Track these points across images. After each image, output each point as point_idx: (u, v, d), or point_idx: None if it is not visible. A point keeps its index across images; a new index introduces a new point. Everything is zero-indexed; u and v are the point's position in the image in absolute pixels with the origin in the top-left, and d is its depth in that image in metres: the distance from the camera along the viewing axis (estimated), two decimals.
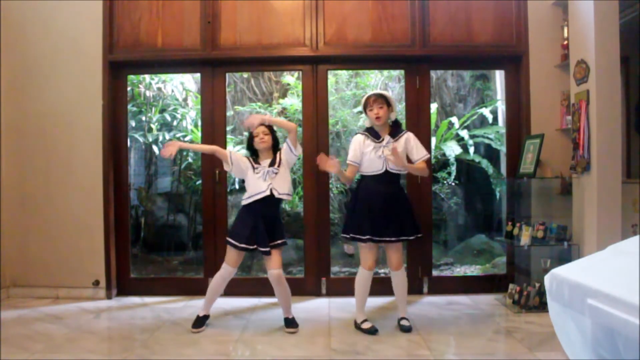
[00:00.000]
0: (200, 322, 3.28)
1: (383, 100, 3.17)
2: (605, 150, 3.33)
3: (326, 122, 4.12)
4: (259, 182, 3.20)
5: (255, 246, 3.19)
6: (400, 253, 3.21)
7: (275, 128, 3.38)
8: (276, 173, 3.22)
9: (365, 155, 3.18)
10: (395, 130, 3.24)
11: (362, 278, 3.24)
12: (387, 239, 3.13)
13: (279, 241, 3.24)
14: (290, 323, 3.26)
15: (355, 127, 5.39)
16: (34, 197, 4.05)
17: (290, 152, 3.27)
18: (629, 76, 4.42)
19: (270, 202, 3.20)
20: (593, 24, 3.35)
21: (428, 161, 3.29)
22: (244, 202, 3.27)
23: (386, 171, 3.15)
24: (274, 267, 3.17)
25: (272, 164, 3.25)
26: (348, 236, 3.21)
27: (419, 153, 3.21)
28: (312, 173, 4.08)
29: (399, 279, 3.22)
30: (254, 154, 3.33)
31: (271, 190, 3.17)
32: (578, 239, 3.59)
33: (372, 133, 3.22)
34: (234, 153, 3.33)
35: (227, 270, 3.25)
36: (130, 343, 3.04)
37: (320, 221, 4.07)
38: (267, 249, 3.16)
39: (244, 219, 3.23)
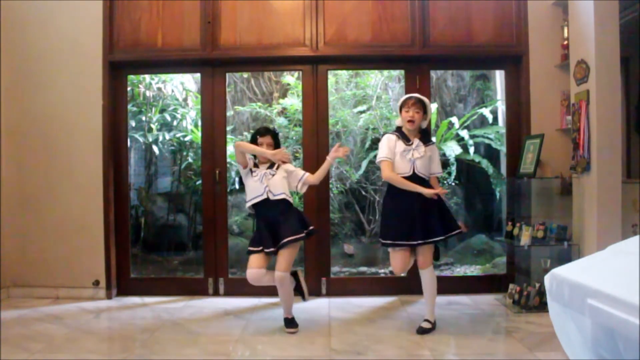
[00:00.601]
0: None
1: (421, 105, 3.18)
2: (605, 150, 3.33)
3: (326, 122, 4.12)
4: (256, 185, 3.22)
5: (261, 247, 3.19)
6: (427, 253, 3.17)
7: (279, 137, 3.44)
8: (273, 175, 3.23)
9: (396, 154, 3.16)
10: (424, 137, 3.23)
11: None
12: (413, 242, 3.11)
13: (288, 239, 3.15)
14: (290, 323, 3.25)
15: (355, 127, 5.39)
16: (34, 197, 4.05)
17: (296, 181, 3.31)
18: (629, 76, 4.42)
19: (270, 204, 3.21)
20: (593, 24, 3.35)
21: (438, 179, 3.38)
22: (247, 205, 3.30)
23: (414, 174, 3.13)
24: (278, 269, 3.16)
25: (270, 167, 3.27)
26: (385, 242, 3.19)
27: (436, 168, 3.27)
28: (312, 173, 4.07)
29: (426, 277, 3.20)
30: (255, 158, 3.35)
31: (267, 194, 3.19)
32: (578, 239, 3.59)
33: (402, 135, 3.20)
34: (249, 158, 3.33)
35: (248, 272, 3.19)
36: (130, 343, 3.04)
37: (320, 221, 4.07)
38: (272, 249, 3.15)
39: (256, 223, 3.33)
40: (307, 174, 3.35)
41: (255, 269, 3.17)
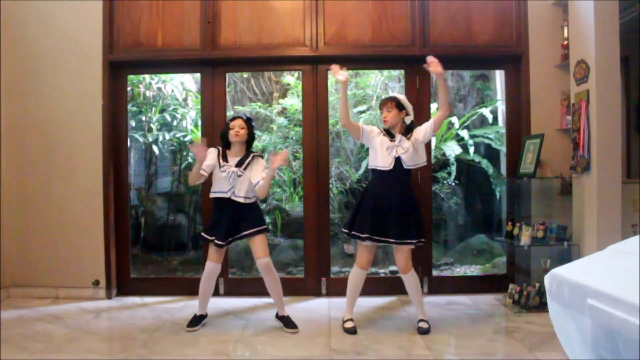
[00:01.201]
0: (195, 321, 3.28)
1: (392, 103, 3.20)
2: (605, 150, 3.33)
3: (326, 122, 4.12)
4: (222, 181, 3.21)
5: (213, 237, 3.22)
6: (406, 256, 3.17)
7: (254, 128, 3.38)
8: (240, 176, 3.21)
9: (376, 148, 3.19)
10: (407, 132, 3.24)
11: (354, 276, 3.24)
12: (387, 239, 3.12)
13: (253, 229, 3.18)
14: (288, 323, 3.25)
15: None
16: (34, 197, 4.05)
17: (259, 176, 3.20)
18: (629, 76, 4.42)
19: (232, 202, 3.22)
20: (593, 24, 3.35)
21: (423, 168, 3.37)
22: (210, 195, 3.30)
23: (395, 168, 3.14)
24: (260, 256, 3.18)
25: (240, 164, 3.23)
26: (348, 232, 3.20)
27: (425, 126, 3.20)
28: (312, 173, 4.09)
29: (408, 281, 3.20)
30: (227, 146, 3.31)
31: (230, 194, 3.20)
32: (578, 239, 3.59)
33: (388, 132, 3.25)
34: (205, 165, 3.19)
35: (206, 265, 3.27)
36: (130, 343, 3.04)
37: (320, 221, 4.07)
38: (222, 243, 3.19)
39: (212, 212, 3.34)
40: (260, 184, 3.18)
41: (213, 263, 3.24)
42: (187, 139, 5.22)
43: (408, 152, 3.13)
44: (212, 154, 3.26)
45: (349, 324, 3.21)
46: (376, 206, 3.14)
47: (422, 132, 3.19)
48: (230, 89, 5.54)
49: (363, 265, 3.21)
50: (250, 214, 3.25)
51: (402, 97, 3.27)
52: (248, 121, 3.32)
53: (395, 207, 3.13)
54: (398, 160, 3.14)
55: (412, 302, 3.29)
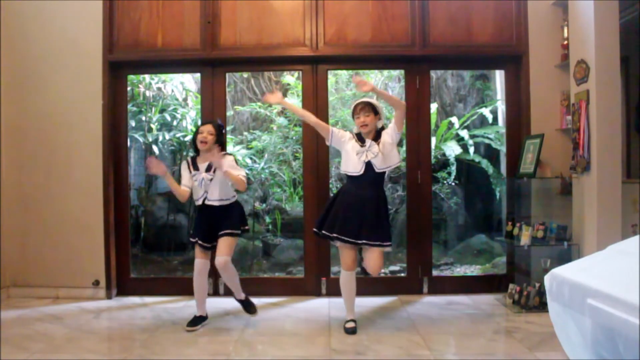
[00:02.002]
0: (195, 321, 3.30)
1: (370, 108, 3.20)
2: (605, 150, 3.33)
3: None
4: (197, 189, 3.30)
5: (196, 239, 3.30)
6: (377, 256, 3.14)
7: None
8: (211, 179, 3.25)
9: (348, 152, 3.21)
10: (377, 136, 3.24)
11: (343, 279, 3.24)
12: (358, 241, 3.13)
13: (224, 231, 3.25)
14: (248, 305, 3.40)
15: (355, 126, 5.38)
16: (34, 197, 4.05)
17: (234, 168, 3.24)
18: (629, 76, 4.42)
19: (208, 206, 3.28)
20: (593, 24, 3.35)
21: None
22: (195, 203, 3.39)
23: (366, 173, 3.16)
24: (219, 254, 3.23)
25: (208, 168, 3.27)
26: (318, 231, 3.23)
27: (389, 128, 3.24)
28: (312, 173, 4.08)
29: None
30: (196, 152, 3.36)
31: (203, 200, 3.27)
32: (578, 239, 3.59)
33: (359, 137, 3.26)
34: (185, 182, 3.30)
35: (195, 262, 3.34)
36: (130, 343, 3.04)
37: None
38: (206, 245, 3.30)
39: (196, 217, 3.46)
40: (242, 174, 3.24)
41: (202, 260, 3.31)
42: (187, 139, 5.22)
43: (377, 156, 3.15)
44: (184, 170, 3.34)
45: (349, 324, 3.21)
46: (348, 208, 3.16)
47: (388, 134, 3.23)
48: (230, 89, 5.54)
49: (348, 266, 3.21)
50: (229, 217, 3.31)
51: (376, 102, 3.28)
52: (218, 127, 3.34)
53: (367, 209, 3.15)
54: (369, 164, 3.16)
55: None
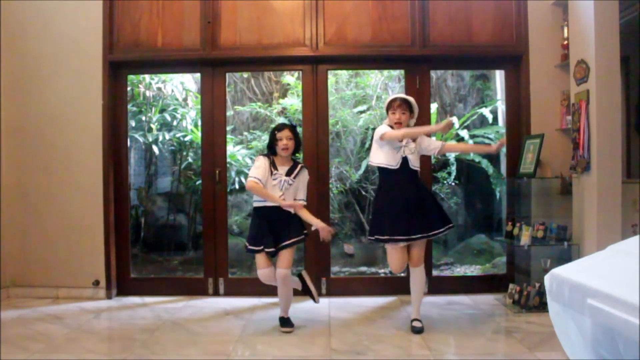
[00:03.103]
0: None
1: (407, 106, 3.20)
2: (605, 150, 3.33)
3: (326, 122, 4.12)
4: (274, 189, 3.20)
5: (262, 247, 3.19)
6: (422, 249, 3.19)
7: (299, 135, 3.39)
8: (291, 184, 3.23)
9: (383, 147, 3.18)
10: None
11: (413, 277, 3.21)
12: (412, 237, 3.09)
13: (289, 241, 3.19)
14: (286, 322, 3.27)
15: (355, 126, 5.39)
16: (34, 197, 4.04)
17: (305, 181, 3.29)
18: (629, 76, 4.42)
19: (279, 210, 3.21)
20: (593, 24, 3.34)
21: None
22: (254, 204, 3.27)
23: (401, 168, 3.15)
24: (280, 267, 3.18)
25: (289, 173, 3.24)
26: (373, 238, 3.19)
27: (434, 143, 3.27)
28: (312, 173, 4.07)
29: (416, 274, 3.20)
30: (273, 154, 3.28)
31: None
32: (578, 239, 3.59)
33: None
34: (258, 174, 3.17)
35: (259, 273, 3.24)
36: (130, 343, 3.04)
37: (319, 220, 4.06)
38: (273, 250, 3.18)
39: (254, 222, 3.30)
40: (302, 201, 3.28)
41: (266, 269, 3.21)
42: (187, 139, 5.22)
43: (414, 153, 3.17)
44: (264, 163, 3.22)
45: (417, 324, 3.17)
46: (395, 206, 3.13)
47: (429, 144, 3.25)
48: (230, 89, 5.54)
49: (397, 269, 3.19)
50: (292, 222, 3.25)
51: (414, 102, 3.26)
52: (294, 129, 3.27)
53: (413, 203, 3.12)
54: (405, 160, 3.15)
55: (413, 298, 3.25)
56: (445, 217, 3.21)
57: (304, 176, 3.31)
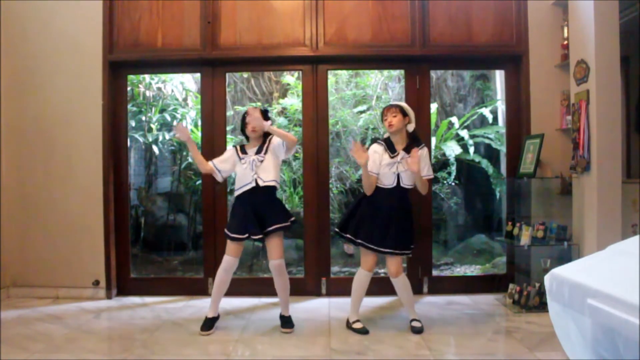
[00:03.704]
0: (209, 324, 3.22)
1: (397, 109, 3.21)
2: (605, 150, 3.33)
3: (326, 122, 4.12)
4: (246, 172, 3.20)
5: (246, 235, 3.17)
6: (398, 262, 3.21)
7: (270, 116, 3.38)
8: (262, 161, 3.20)
9: (382, 167, 3.18)
10: (411, 144, 3.22)
11: (361, 278, 3.25)
12: (383, 250, 3.16)
13: (275, 226, 3.16)
14: (287, 322, 3.26)
15: (355, 126, 5.39)
16: (34, 197, 4.05)
17: (281, 150, 3.23)
18: (629, 76, 4.42)
19: (258, 191, 3.18)
20: (593, 24, 3.35)
21: (430, 181, 3.29)
22: (235, 193, 3.27)
23: (397, 186, 3.17)
24: (273, 258, 3.18)
25: (259, 151, 3.23)
26: (345, 235, 3.23)
27: (426, 171, 3.23)
28: (312, 173, 4.08)
29: (400, 284, 3.23)
30: (246, 137, 3.32)
31: (256, 181, 3.17)
32: (578, 239, 3.59)
33: (389, 145, 3.23)
34: (218, 161, 3.29)
35: (226, 261, 3.19)
36: (130, 343, 3.04)
37: (320, 221, 4.07)
38: (260, 236, 3.16)
39: (235, 210, 3.27)
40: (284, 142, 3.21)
41: (230, 257, 3.18)
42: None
43: (407, 171, 3.15)
44: (229, 153, 3.29)
45: (358, 325, 3.20)
46: (375, 215, 3.17)
47: (424, 163, 3.20)
48: (230, 89, 5.54)
49: (370, 267, 3.22)
50: (274, 208, 3.23)
51: (406, 105, 3.28)
52: (264, 113, 3.27)
53: (394, 219, 3.16)
54: (398, 177, 3.17)
55: (404, 304, 3.31)
56: (411, 241, 3.23)
57: (276, 144, 3.23)
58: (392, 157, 3.18)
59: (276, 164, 3.24)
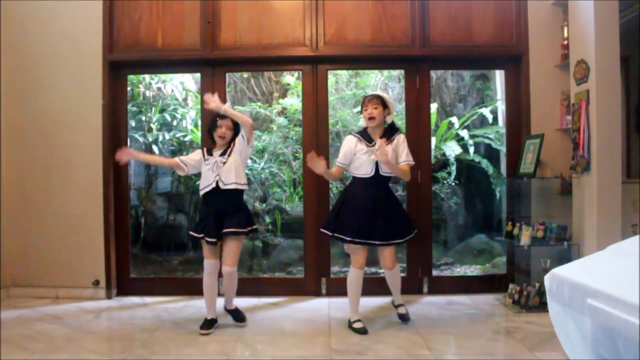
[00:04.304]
0: (208, 324, 3.23)
1: (378, 100, 3.18)
2: (605, 150, 3.33)
3: (326, 122, 4.12)
4: (208, 173, 3.21)
5: (202, 235, 3.19)
6: (392, 253, 3.21)
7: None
8: (224, 162, 3.18)
9: (357, 158, 3.18)
10: (388, 132, 3.22)
11: (354, 277, 3.23)
12: (374, 242, 3.15)
13: (229, 229, 3.14)
14: (238, 314, 3.33)
15: (355, 127, 5.39)
16: (34, 197, 4.05)
17: (244, 143, 3.22)
18: (629, 76, 4.42)
19: (219, 192, 3.18)
20: (593, 24, 3.34)
21: (412, 168, 3.26)
22: (200, 193, 3.29)
23: (376, 174, 3.15)
24: (225, 263, 3.18)
25: (223, 153, 3.23)
26: (330, 234, 3.22)
27: (405, 157, 3.21)
28: (312, 173, 4.07)
29: (393, 274, 3.27)
30: (213, 141, 3.31)
31: (217, 182, 3.17)
32: (578, 239, 3.59)
33: (365, 136, 3.22)
34: (185, 157, 3.33)
35: (205, 264, 3.25)
36: (130, 343, 3.04)
37: (320, 221, 4.05)
38: (213, 240, 3.16)
39: (201, 210, 3.34)
40: (242, 131, 3.24)
41: (211, 260, 3.22)
42: (187, 139, 5.22)
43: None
44: (195, 153, 3.35)
45: (358, 324, 3.19)
46: (358, 208, 3.15)
47: (402, 150, 3.20)
48: (230, 89, 5.54)
49: (361, 265, 3.22)
50: (237, 211, 3.22)
51: (386, 96, 3.26)
52: (235, 122, 3.28)
53: (379, 209, 3.15)
54: (377, 165, 3.15)
55: (393, 291, 3.36)
56: (408, 225, 3.24)
57: (239, 144, 3.23)
58: (369, 146, 3.16)
59: (240, 165, 3.22)
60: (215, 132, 3.24)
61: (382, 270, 4.77)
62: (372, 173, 3.15)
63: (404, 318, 3.31)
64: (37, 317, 3.54)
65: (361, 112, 3.28)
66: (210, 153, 3.28)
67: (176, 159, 3.31)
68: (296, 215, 5.21)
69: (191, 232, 3.29)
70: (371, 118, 3.17)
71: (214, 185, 3.17)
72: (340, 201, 3.27)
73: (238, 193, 3.24)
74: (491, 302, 3.84)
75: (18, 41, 4.04)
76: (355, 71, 5.34)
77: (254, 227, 3.31)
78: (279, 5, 4.01)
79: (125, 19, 4.04)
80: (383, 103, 3.19)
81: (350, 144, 3.21)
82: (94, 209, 4.01)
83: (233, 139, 3.28)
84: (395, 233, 3.18)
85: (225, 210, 3.19)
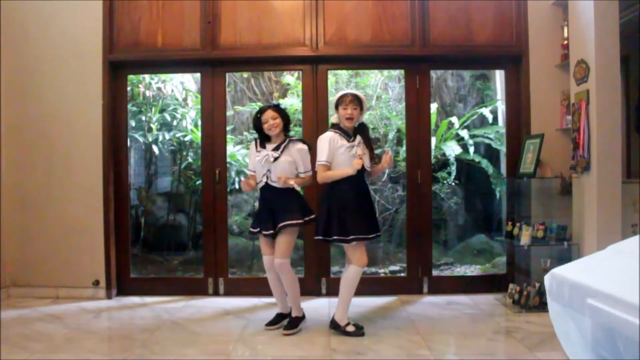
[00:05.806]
0: (293, 322, 3.21)
1: (358, 102, 3.16)
2: (605, 150, 3.33)
3: (326, 122, 4.10)
4: (258, 167, 3.19)
5: (258, 229, 3.20)
6: (364, 250, 3.16)
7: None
8: (276, 158, 3.13)
9: (338, 155, 3.13)
10: (359, 128, 3.23)
11: (357, 277, 3.12)
12: (371, 236, 3.15)
13: (283, 223, 3.09)
14: (289, 323, 3.21)
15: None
16: (34, 197, 4.04)
17: (300, 160, 3.19)
18: (629, 76, 4.42)
19: (270, 188, 3.16)
20: (593, 24, 3.34)
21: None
22: (257, 187, 3.29)
23: (359, 170, 3.11)
24: (276, 256, 3.14)
25: (276, 148, 3.17)
26: (330, 239, 3.12)
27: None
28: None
29: (354, 272, 3.12)
30: (264, 138, 3.24)
31: (266, 178, 3.16)
32: (578, 239, 3.59)
33: (342, 131, 3.18)
34: (250, 168, 3.34)
35: (263, 261, 3.25)
36: (130, 343, 3.04)
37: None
38: (270, 232, 3.13)
39: (259, 205, 3.33)
40: (308, 173, 3.24)
41: (269, 256, 3.20)
42: (187, 139, 5.22)
43: (366, 155, 3.15)
44: (251, 151, 3.30)
45: (351, 328, 3.12)
46: (350, 205, 3.10)
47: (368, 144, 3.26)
48: (230, 89, 5.54)
49: (365, 262, 3.14)
50: (288, 204, 3.16)
51: (363, 97, 3.23)
52: (277, 108, 3.22)
53: (365, 203, 3.17)
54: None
55: (341, 296, 3.17)
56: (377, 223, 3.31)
57: (296, 148, 3.19)
58: (350, 142, 3.16)
59: (291, 163, 3.17)
60: (263, 127, 3.18)
61: (382, 270, 4.79)
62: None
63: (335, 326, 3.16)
64: (37, 317, 3.54)
65: (335, 108, 3.21)
66: (263, 145, 3.21)
67: (253, 175, 3.27)
68: None
69: (250, 229, 3.31)
70: (350, 119, 3.14)
71: (264, 181, 3.16)
72: (327, 206, 3.14)
73: (288, 187, 3.16)
74: (491, 302, 3.84)
75: (18, 41, 4.04)
76: (355, 71, 5.33)
77: (312, 216, 3.23)
78: (279, 5, 4.01)
79: (125, 19, 4.04)
80: (361, 105, 3.18)
81: (332, 141, 3.13)
82: (94, 209, 4.01)
83: (286, 127, 3.23)
84: (372, 228, 3.17)
85: (277, 204, 3.16)
